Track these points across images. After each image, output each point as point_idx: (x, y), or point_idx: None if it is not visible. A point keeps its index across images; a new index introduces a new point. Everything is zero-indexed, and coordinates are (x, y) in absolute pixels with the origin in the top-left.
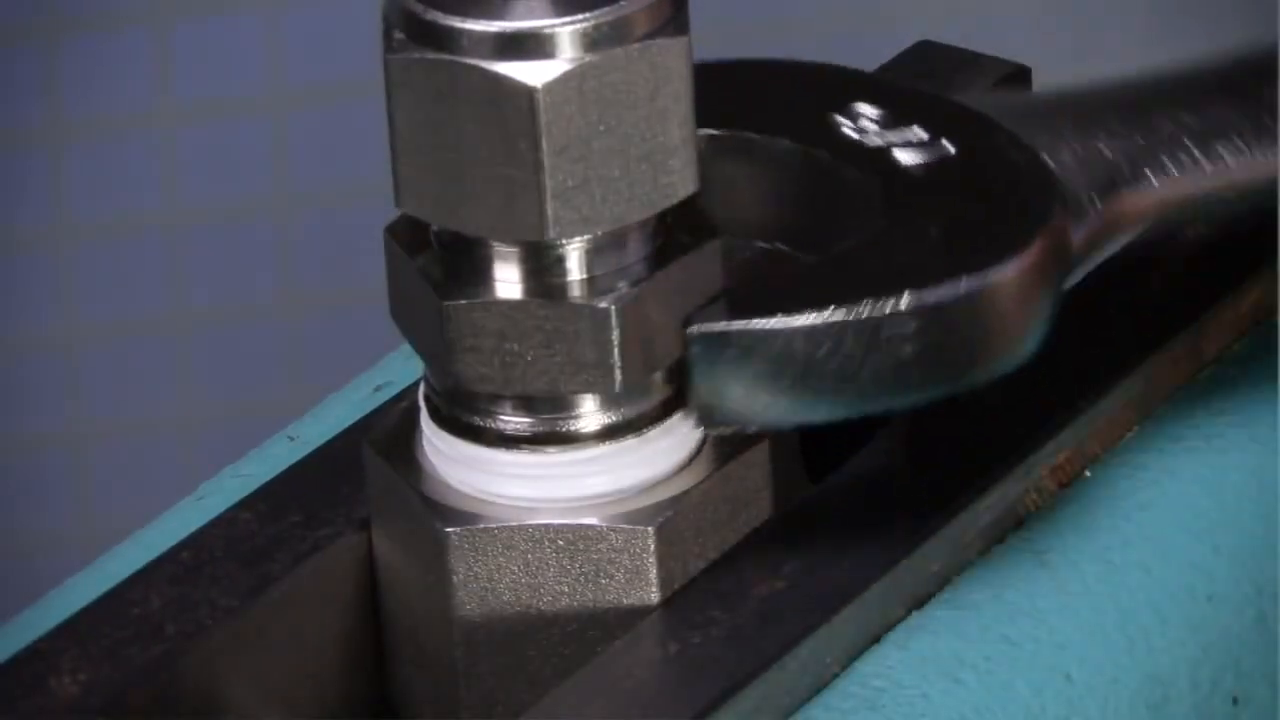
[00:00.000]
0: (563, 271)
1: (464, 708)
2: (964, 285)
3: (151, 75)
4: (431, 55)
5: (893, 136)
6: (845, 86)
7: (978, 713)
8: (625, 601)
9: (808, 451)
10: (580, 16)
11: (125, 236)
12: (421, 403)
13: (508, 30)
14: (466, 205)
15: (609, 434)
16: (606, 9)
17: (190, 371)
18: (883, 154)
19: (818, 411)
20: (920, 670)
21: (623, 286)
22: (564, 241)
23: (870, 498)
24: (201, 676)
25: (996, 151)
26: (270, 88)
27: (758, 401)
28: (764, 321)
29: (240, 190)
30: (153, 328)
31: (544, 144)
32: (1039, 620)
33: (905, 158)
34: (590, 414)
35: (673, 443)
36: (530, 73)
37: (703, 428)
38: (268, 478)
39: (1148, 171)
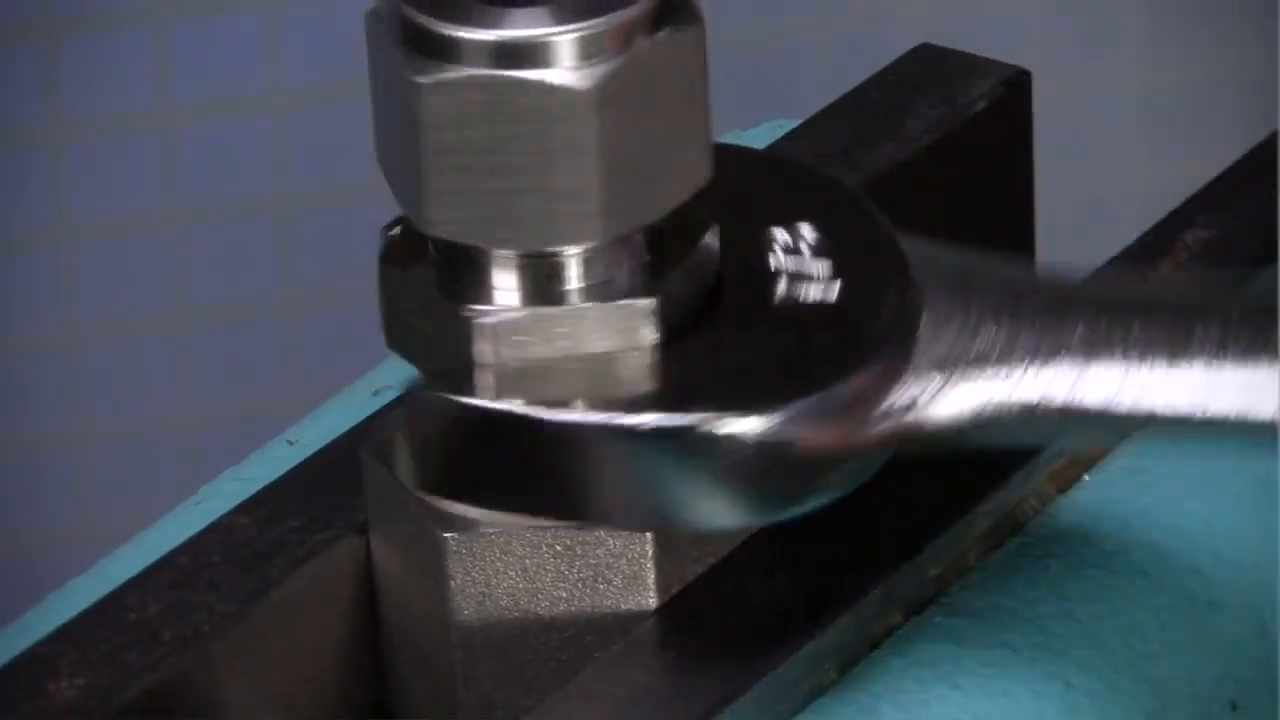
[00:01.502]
0: (581, 278)
1: (462, 712)
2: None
3: (151, 75)
4: (455, 72)
5: (795, 265)
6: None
7: (976, 719)
8: (623, 606)
9: None
10: (593, 21)
11: (125, 236)
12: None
13: (524, 39)
14: (489, 217)
15: None
16: (618, 12)
17: (190, 371)
18: (773, 277)
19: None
20: (919, 677)
21: (638, 286)
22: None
23: (868, 503)
24: (200, 681)
25: (874, 301)
26: (270, 88)
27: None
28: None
29: (240, 190)
30: (153, 328)
31: (568, 150)
32: (1038, 626)
33: (787, 287)
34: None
35: None
36: (551, 80)
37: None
38: (266, 482)
39: (1021, 368)
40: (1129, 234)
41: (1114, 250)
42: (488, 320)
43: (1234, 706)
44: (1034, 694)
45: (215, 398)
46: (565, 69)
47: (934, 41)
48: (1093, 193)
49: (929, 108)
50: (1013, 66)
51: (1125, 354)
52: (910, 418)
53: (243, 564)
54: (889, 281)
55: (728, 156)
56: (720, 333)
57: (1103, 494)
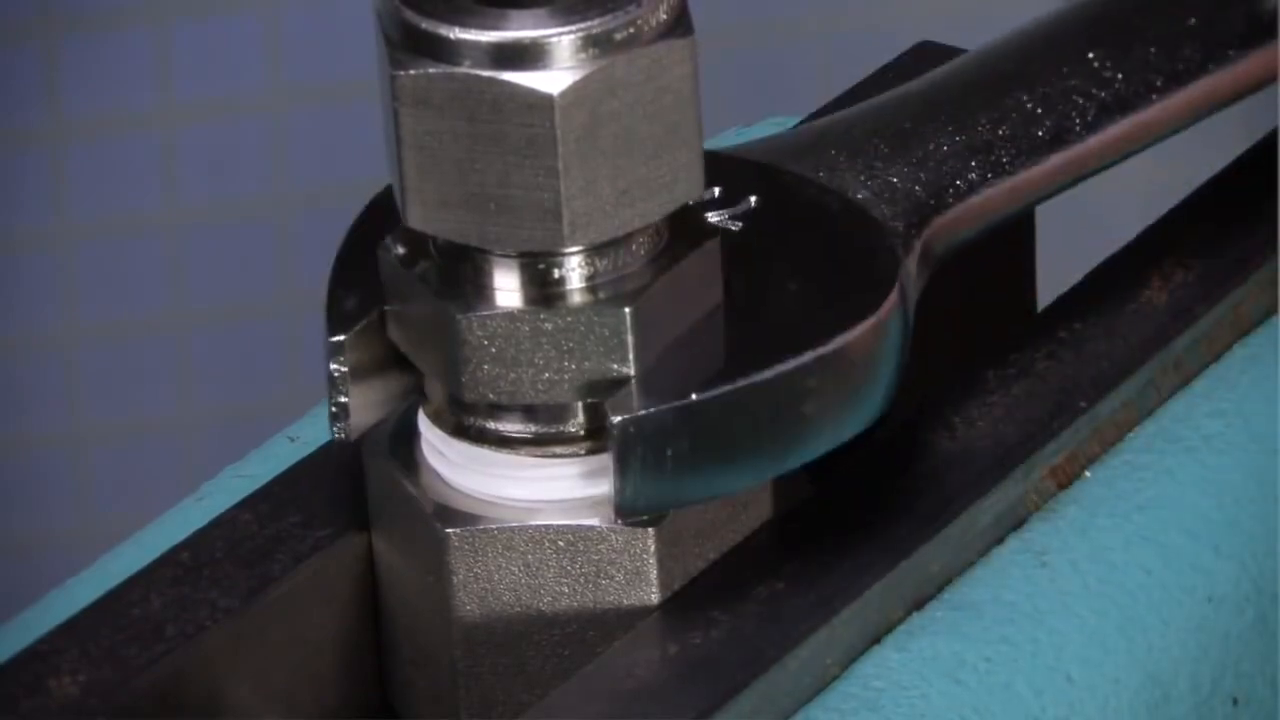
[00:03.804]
0: (573, 279)
1: (463, 708)
2: (853, 332)
3: (151, 75)
4: (439, 69)
5: (728, 213)
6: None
7: (978, 713)
8: (625, 602)
9: None
10: (587, 24)
11: (125, 236)
12: (421, 403)
13: (519, 40)
14: (481, 217)
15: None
16: (613, 15)
17: (190, 371)
18: (695, 216)
19: (729, 483)
20: (920, 671)
21: (632, 290)
22: (575, 249)
23: (870, 498)
24: (201, 677)
25: (802, 197)
26: (270, 88)
27: (677, 480)
28: (682, 400)
29: (240, 190)
30: (153, 328)
31: (560, 152)
32: (1039, 621)
33: (717, 219)
34: (591, 416)
35: None
36: (546, 82)
37: (619, 522)
38: (268, 478)
39: (947, 196)
40: (1128, 233)
41: (1114, 249)
42: (473, 318)
43: (1235, 701)
44: (1035, 689)
45: (215, 398)
46: (539, 72)
47: (934, 39)
48: (1092, 191)
49: None
50: None
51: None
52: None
53: (244, 560)
54: (799, 182)
55: None
56: (743, 291)
57: (1103, 490)
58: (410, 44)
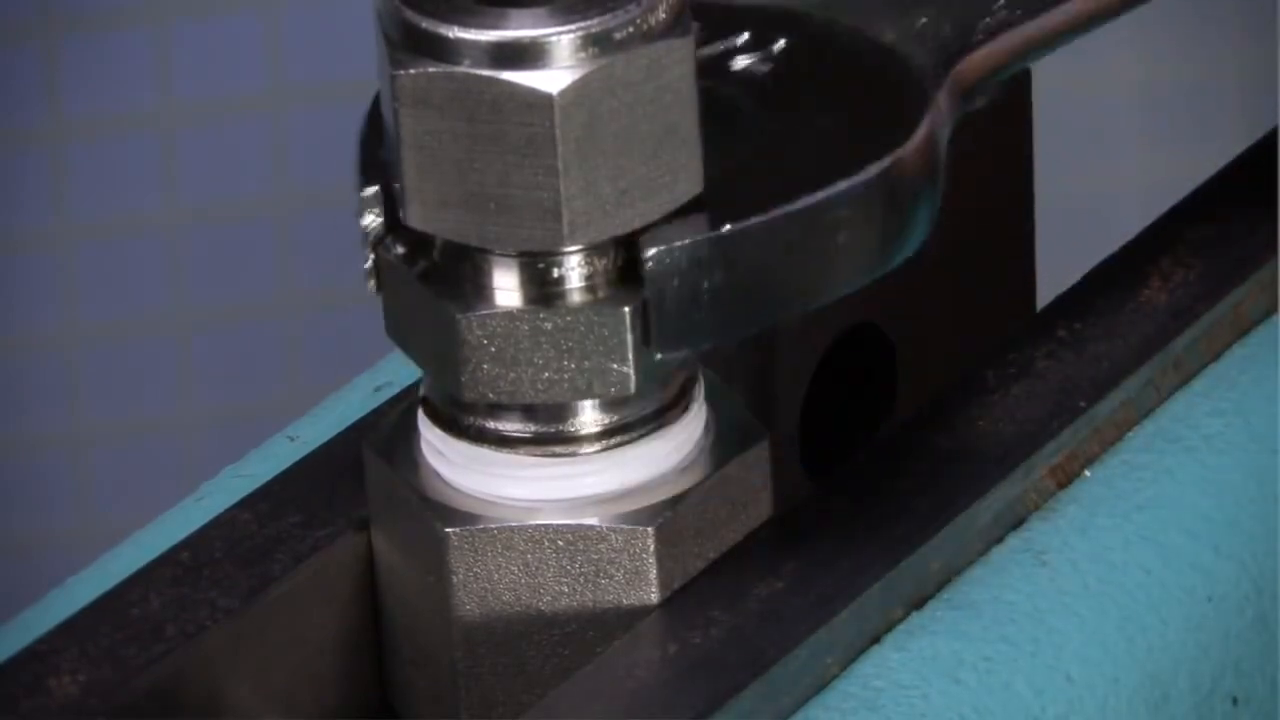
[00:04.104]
0: (573, 278)
1: (464, 708)
2: (884, 162)
3: (151, 75)
4: (438, 68)
5: (723, 45)
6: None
7: (977, 713)
8: (625, 602)
9: (807, 452)
10: (587, 23)
11: (125, 236)
12: (421, 403)
13: (518, 39)
14: (481, 217)
15: (609, 435)
16: (612, 14)
17: (190, 371)
18: (722, 64)
19: (764, 316)
20: (920, 671)
21: (623, 293)
22: (574, 249)
23: (870, 498)
24: (201, 677)
25: (831, 40)
26: (270, 88)
27: (713, 314)
28: (715, 231)
29: (240, 190)
30: (153, 328)
31: (560, 152)
32: (1039, 621)
33: (746, 63)
34: (591, 415)
35: (672, 443)
36: (545, 81)
37: (658, 353)
38: (268, 478)
39: (975, 34)
40: (1129, 232)
41: (1114, 248)
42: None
43: (1235, 701)
44: (1035, 688)
45: (215, 398)
46: (539, 71)
47: None
48: (1093, 191)
49: None
50: None
51: None
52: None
53: (244, 560)
54: (829, 25)
55: None
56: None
57: (1103, 489)
58: (410, 43)
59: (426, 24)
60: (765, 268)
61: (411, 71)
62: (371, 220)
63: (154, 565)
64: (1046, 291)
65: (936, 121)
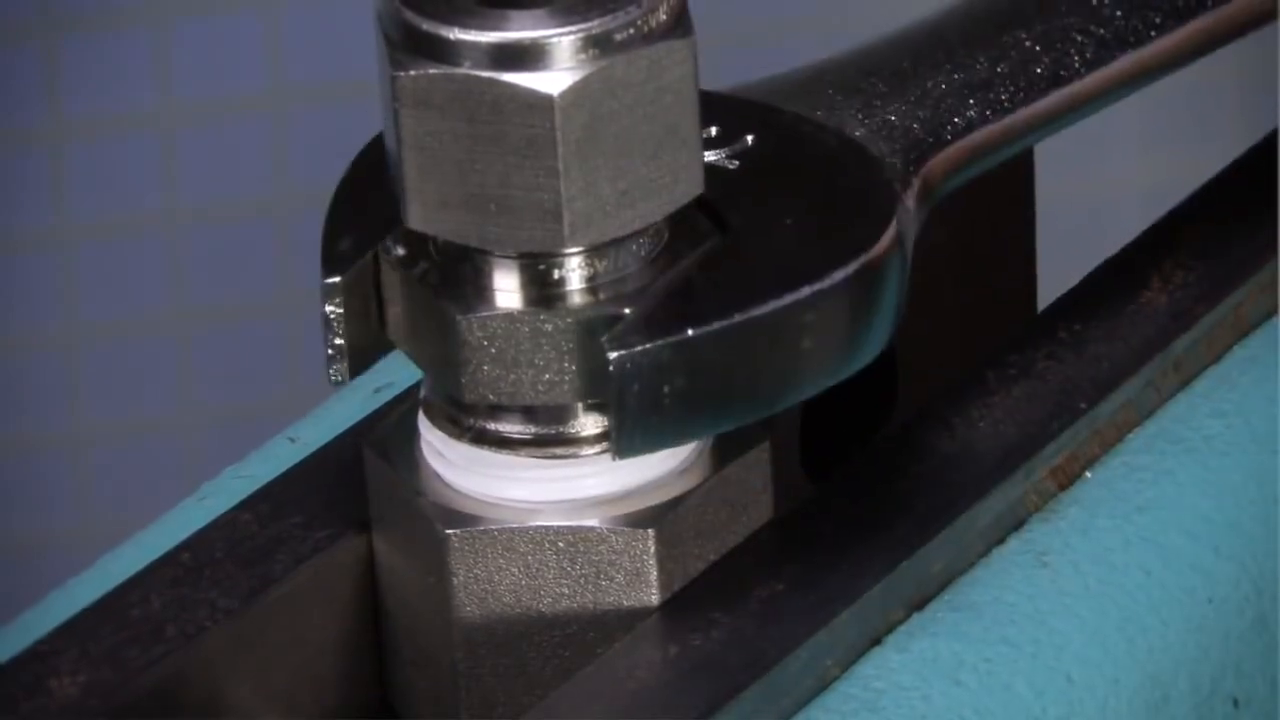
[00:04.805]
0: (573, 280)
1: (464, 709)
2: (850, 267)
3: (151, 75)
4: (439, 70)
5: (727, 151)
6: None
7: (978, 714)
8: (626, 603)
9: (808, 453)
10: (587, 24)
11: (125, 236)
12: (421, 404)
13: (519, 41)
14: (482, 218)
15: (609, 436)
16: (612, 16)
17: (190, 371)
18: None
19: (726, 420)
20: (921, 672)
21: (632, 291)
22: (575, 250)
23: (870, 499)
24: (202, 678)
25: (800, 135)
26: (270, 88)
27: (674, 418)
28: (678, 336)
29: (240, 190)
30: (153, 328)
31: (560, 153)
32: (1039, 622)
33: (713, 158)
34: (591, 417)
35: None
36: (546, 82)
37: (616, 458)
38: (268, 479)
39: (945, 133)
40: (1129, 234)
41: (1114, 249)
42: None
43: (1235, 703)
44: (1036, 689)
45: (215, 398)
46: (539, 73)
47: None
48: (1093, 192)
49: None
50: None
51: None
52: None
53: (245, 561)
54: (798, 120)
55: None
56: (759, 223)
57: (1103, 490)
58: (411, 45)
59: (427, 25)
60: (728, 372)
61: (412, 73)
62: (333, 310)
63: (155, 566)
64: (1047, 293)
65: (904, 221)
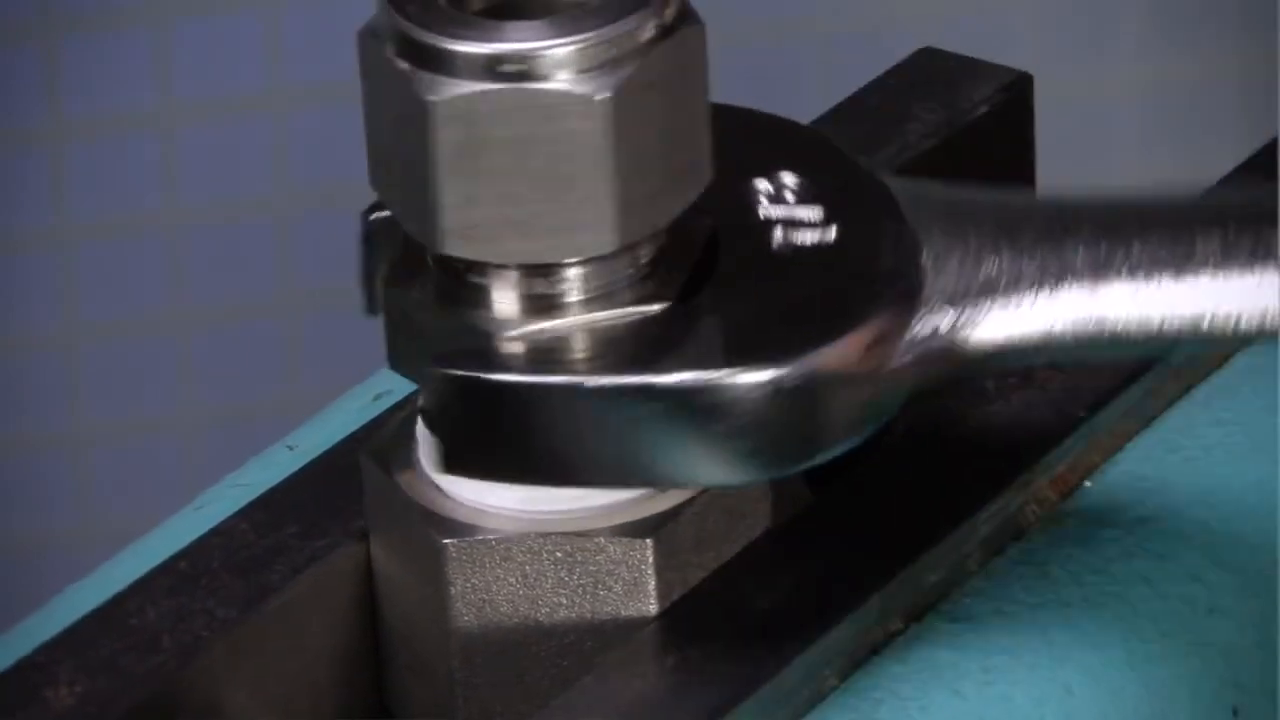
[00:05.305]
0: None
1: (462, 718)
2: (680, 377)
3: (151, 75)
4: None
5: (784, 212)
6: (790, 150)
7: None
8: (624, 613)
9: None
10: (624, 21)
11: (125, 236)
12: (420, 413)
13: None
14: (525, 234)
15: None
16: (645, 9)
17: (190, 371)
18: (765, 228)
19: (534, 476)
20: (920, 682)
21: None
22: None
23: (869, 509)
24: (199, 687)
25: (871, 241)
26: (270, 88)
27: (481, 448)
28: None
29: (240, 190)
30: (153, 328)
31: (611, 155)
32: (1039, 632)
33: (782, 236)
34: None
35: None
36: (586, 87)
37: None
38: (266, 487)
39: (1031, 294)
40: None
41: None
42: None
43: (1235, 713)
44: (1035, 700)
45: (215, 398)
46: (577, 78)
47: (936, 44)
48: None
49: (930, 112)
50: (1014, 70)
51: (1130, 272)
52: (929, 349)
53: (242, 569)
54: (881, 221)
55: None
56: (725, 289)
57: (1103, 500)
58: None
59: (440, 41)
60: (526, 429)
61: (430, 91)
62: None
63: (152, 575)
64: None
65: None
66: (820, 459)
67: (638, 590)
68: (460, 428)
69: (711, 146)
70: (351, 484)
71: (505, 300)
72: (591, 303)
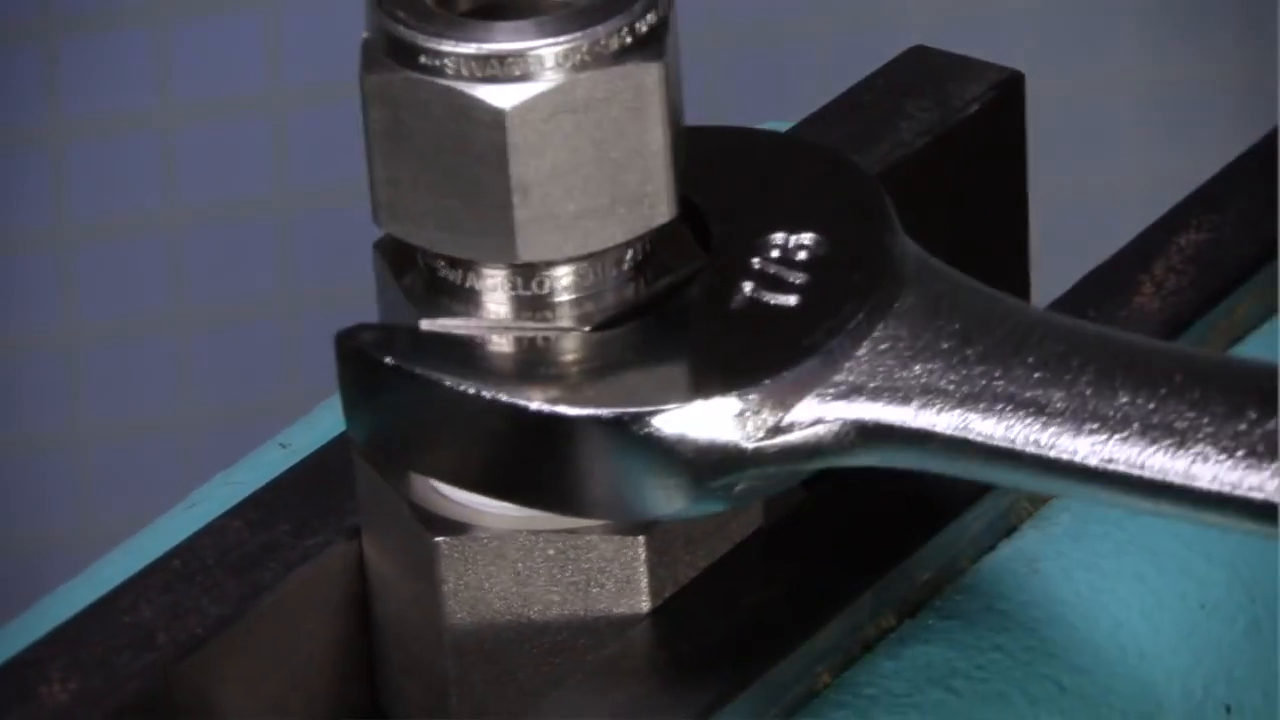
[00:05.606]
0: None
1: (454, 716)
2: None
3: (151, 75)
4: (408, 75)
5: (773, 269)
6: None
7: None
8: (616, 610)
9: None
10: (554, 39)
11: (125, 236)
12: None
13: (483, 51)
14: (445, 224)
15: None
16: (581, 32)
17: (190, 371)
18: (742, 279)
19: (427, 467)
20: (913, 679)
21: (613, 307)
22: (549, 262)
23: (861, 506)
24: (192, 685)
25: (824, 317)
26: (270, 88)
27: (385, 428)
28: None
29: (240, 190)
30: (153, 328)
31: (513, 167)
32: (1031, 629)
33: (751, 290)
34: None
35: None
36: (502, 95)
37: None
38: (259, 485)
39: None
40: (1124, 235)
41: (1110, 251)
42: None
43: (1228, 710)
44: (1028, 697)
45: (214, 398)
46: (489, 85)
47: (928, 43)
48: (1088, 194)
49: (922, 110)
50: (1006, 69)
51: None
52: (791, 436)
53: (235, 567)
54: (857, 299)
55: (741, 135)
56: (643, 330)
57: None
58: (389, 50)
59: (400, 31)
60: (417, 422)
61: (383, 77)
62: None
63: (145, 573)
64: (1043, 295)
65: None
66: (665, 518)
67: (630, 588)
68: (352, 402)
69: (672, 183)
70: (344, 482)
71: (423, 287)
72: (511, 309)
